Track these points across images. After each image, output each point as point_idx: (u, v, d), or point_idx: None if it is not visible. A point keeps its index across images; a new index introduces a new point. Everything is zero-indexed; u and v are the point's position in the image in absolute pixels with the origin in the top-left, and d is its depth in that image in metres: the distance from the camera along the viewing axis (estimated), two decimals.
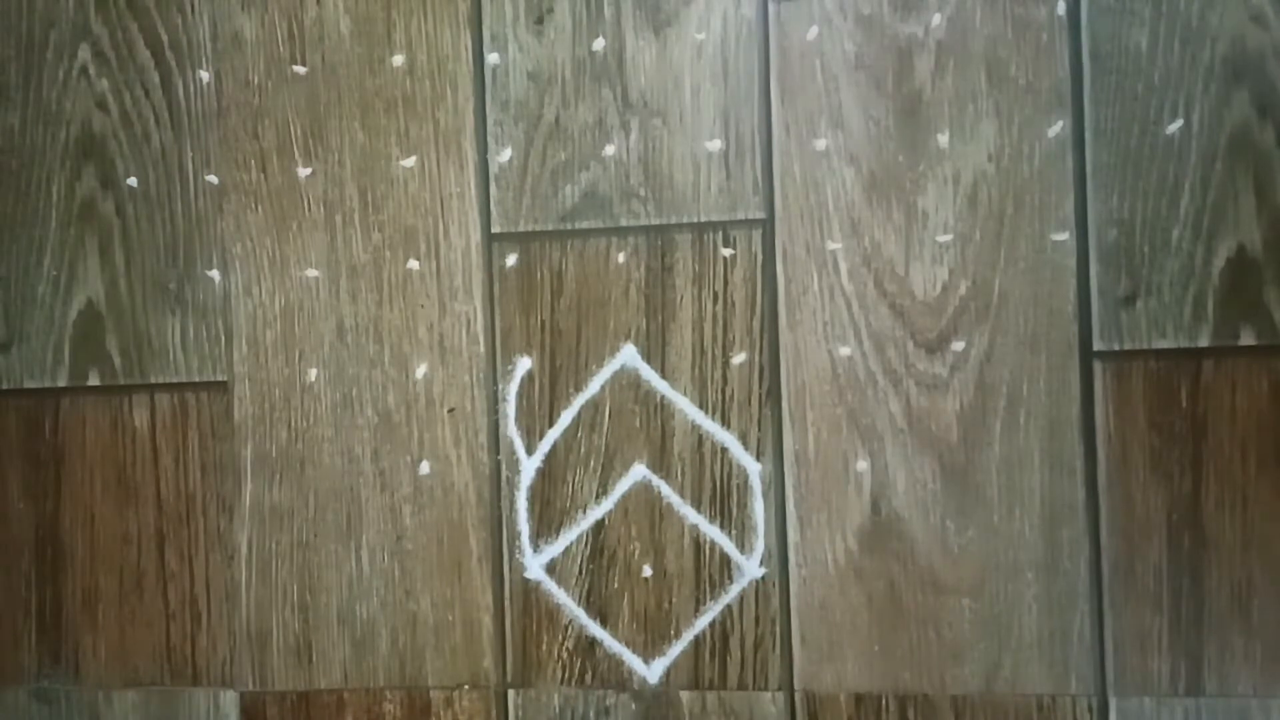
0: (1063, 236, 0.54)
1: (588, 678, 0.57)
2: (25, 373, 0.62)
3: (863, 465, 0.55)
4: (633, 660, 0.57)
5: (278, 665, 0.59)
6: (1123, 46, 0.53)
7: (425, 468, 0.58)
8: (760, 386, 0.56)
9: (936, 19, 0.55)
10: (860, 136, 0.55)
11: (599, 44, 0.57)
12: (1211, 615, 0.53)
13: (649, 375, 0.57)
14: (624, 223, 0.57)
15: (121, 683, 0.61)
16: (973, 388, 0.54)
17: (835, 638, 0.55)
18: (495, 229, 0.58)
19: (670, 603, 0.57)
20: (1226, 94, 0.53)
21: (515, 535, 0.58)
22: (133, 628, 0.61)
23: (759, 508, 0.56)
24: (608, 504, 0.57)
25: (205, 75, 0.60)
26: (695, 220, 0.56)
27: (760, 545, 0.56)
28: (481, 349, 0.58)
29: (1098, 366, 0.54)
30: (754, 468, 0.56)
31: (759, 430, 0.56)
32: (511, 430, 0.58)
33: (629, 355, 0.57)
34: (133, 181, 0.60)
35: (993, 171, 0.54)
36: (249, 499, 0.60)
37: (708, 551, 0.56)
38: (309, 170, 0.59)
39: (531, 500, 0.58)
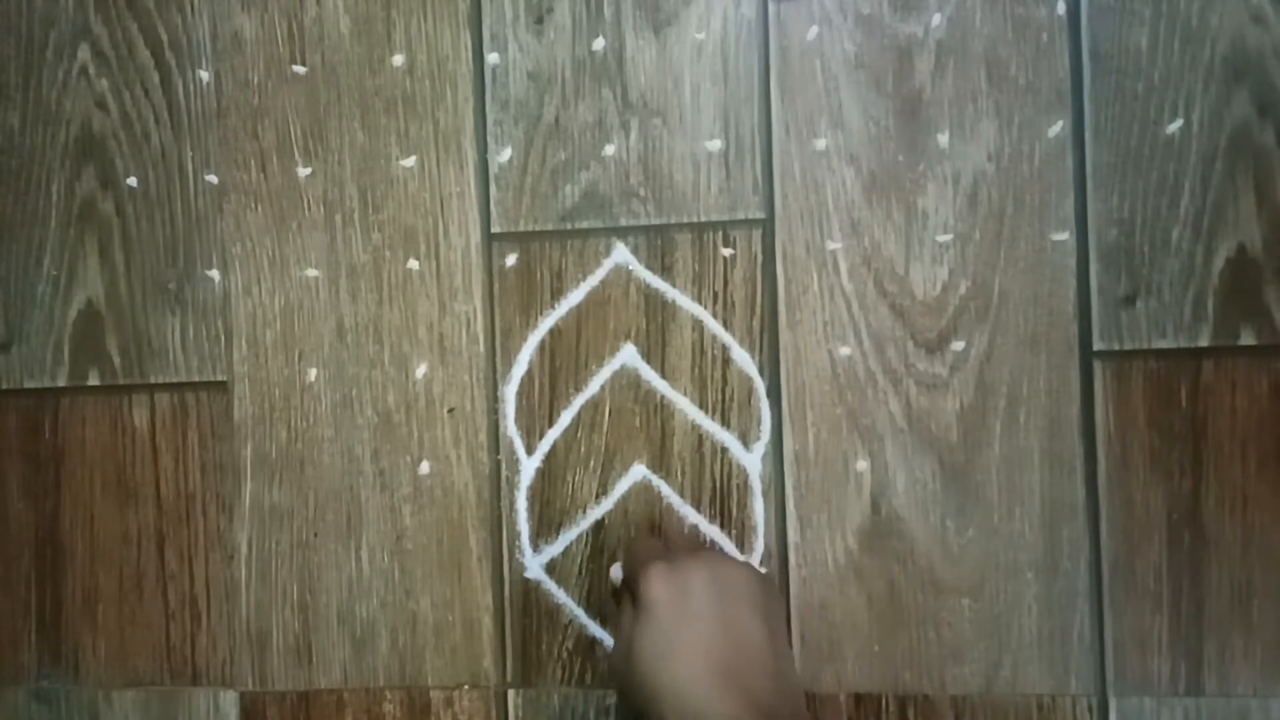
0: (1063, 236, 0.54)
1: (588, 678, 0.57)
2: (25, 373, 0.62)
3: (863, 465, 0.55)
4: None
5: (278, 665, 0.59)
6: (1123, 46, 0.53)
7: (425, 468, 0.58)
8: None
9: (936, 19, 0.55)
10: (860, 136, 0.55)
11: (599, 44, 0.57)
12: (1211, 615, 0.53)
13: (649, 375, 0.57)
14: (624, 222, 0.57)
15: (121, 683, 0.61)
16: (973, 387, 0.54)
17: (835, 638, 0.55)
18: (495, 229, 0.58)
19: None
20: (1226, 94, 0.53)
21: (515, 535, 0.58)
22: (133, 628, 0.61)
23: (759, 508, 0.56)
24: (608, 504, 0.57)
25: (205, 75, 0.60)
26: (695, 220, 0.56)
27: (760, 545, 0.56)
28: (481, 349, 0.58)
29: (1098, 366, 0.54)
30: (754, 468, 0.56)
31: (759, 430, 0.56)
32: (511, 430, 0.58)
33: (629, 355, 0.57)
34: (133, 181, 0.60)
35: (993, 171, 0.54)
36: (249, 499, 0.60)
37: None
38: (309, 170, 0.59)
39: (531, 500, 0.58)
